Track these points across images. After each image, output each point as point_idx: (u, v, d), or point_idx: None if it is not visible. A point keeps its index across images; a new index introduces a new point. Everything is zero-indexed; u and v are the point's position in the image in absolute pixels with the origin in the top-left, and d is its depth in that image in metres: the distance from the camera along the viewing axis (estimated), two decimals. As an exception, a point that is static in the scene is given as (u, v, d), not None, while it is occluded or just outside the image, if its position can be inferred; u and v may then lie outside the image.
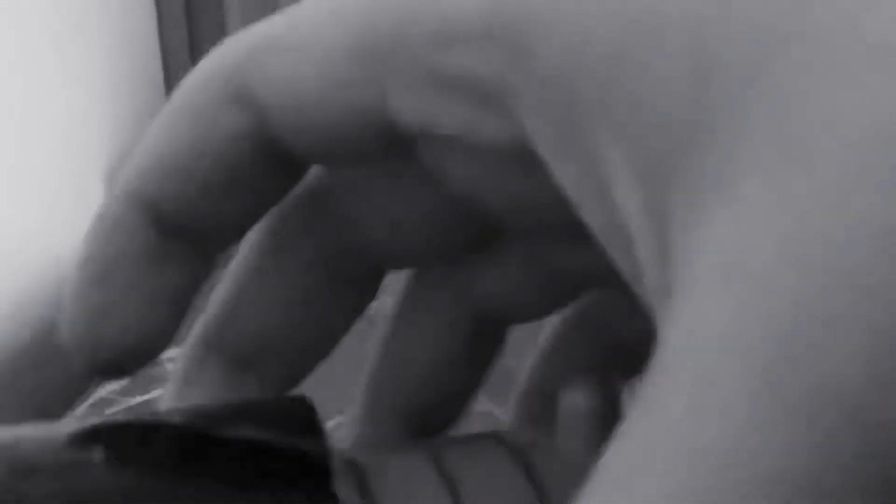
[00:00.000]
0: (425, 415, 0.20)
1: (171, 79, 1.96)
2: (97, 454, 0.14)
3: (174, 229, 0.17)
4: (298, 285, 0.18)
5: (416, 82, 0.14)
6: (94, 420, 0.15)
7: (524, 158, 0.14)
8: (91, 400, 1.10)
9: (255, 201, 0.17)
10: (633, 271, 0.12)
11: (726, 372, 0.09)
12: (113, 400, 1.09)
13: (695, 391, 0.09)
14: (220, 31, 2.01)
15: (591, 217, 0.13)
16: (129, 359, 0.17)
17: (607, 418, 0.16)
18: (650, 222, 0.11)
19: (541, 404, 0.22)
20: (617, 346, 0.21)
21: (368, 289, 0.19)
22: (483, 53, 0.14)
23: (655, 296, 0.11)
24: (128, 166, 0.17)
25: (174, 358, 1.18)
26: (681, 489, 0.09)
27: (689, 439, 0.09)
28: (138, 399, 1.08)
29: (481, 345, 0.20)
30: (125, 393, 1.09)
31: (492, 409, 0.69)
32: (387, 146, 0.16)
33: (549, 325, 0.22)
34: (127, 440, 0.14)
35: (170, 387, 0.19)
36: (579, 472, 0.15)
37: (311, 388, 0.74)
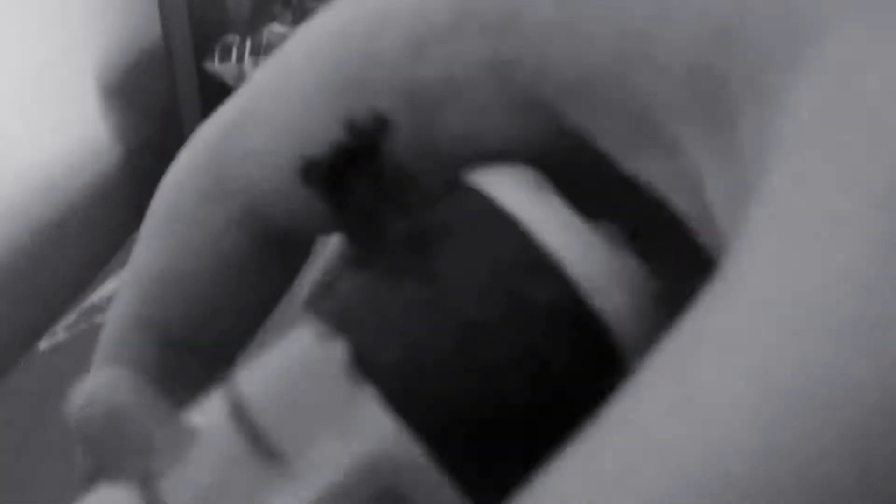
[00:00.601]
0: None
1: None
2: None
3: (185, 346, 0.16)
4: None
5: (399, 99, 0.13)
6: None
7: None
8: (81, 307, 1.10)
9: (266, 293, 0.16)
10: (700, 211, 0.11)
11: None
12: (103, 308, 1.09)
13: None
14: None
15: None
16: None
17: None
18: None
19: None
20: None
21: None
22: (455, 46, 0.12)
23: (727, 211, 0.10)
24: (127, 290, 0.16)
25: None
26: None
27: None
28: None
29: None
30: (116, 301, 1.08)
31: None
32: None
33: None
34: None
35: (97, 362, 0.18)
36: None
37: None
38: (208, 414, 0.13)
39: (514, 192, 0.12)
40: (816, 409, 0.08)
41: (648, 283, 0.12)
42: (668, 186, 0.12)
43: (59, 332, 1.07)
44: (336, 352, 0.12)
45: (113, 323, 0.16)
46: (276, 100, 0.14)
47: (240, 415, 0.13)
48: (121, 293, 0.16)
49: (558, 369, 0.12)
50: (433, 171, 0.14)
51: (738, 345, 0.08)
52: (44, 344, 1.05)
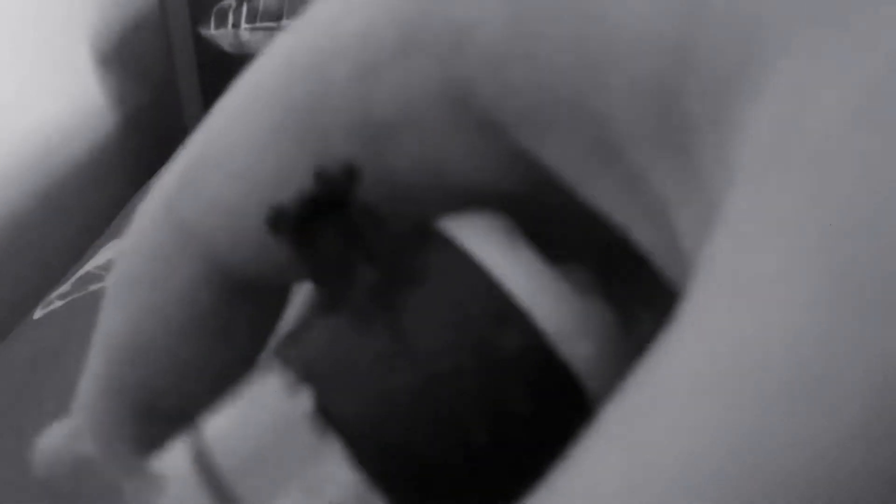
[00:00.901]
0: None
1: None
2: None
3: (161, 411, 0.15)
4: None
5: (352, 133, 0.12)
6: None
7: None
8: (76, 276, 1.10)
9: (241, 348, 0.15)
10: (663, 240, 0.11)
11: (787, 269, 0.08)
12: (98, 276, 1.09)
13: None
14: None
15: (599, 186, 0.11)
16: None
17: None
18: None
19: None
20: None
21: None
22: (405, 70, 0.12)
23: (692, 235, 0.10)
24: (96, 356, 0.15)
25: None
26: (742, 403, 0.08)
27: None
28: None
29: None
30: (110, 269, 1.08)
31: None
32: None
33: None
34: None
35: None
36: None
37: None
38: (173, 462, 0.13)
39: (483, 240, 0.12)
40: (739, 479, 0.08)
41: (616, 328, 0.12)
42: (630, 217, 0.11)
43: (54, 301, 1.07)
44: (301, 402, 0.12)
45: (85, 390, 0.15)
46: (230, 145, 0.13)
47: (203, 464, 0.12)
48: (91, 359, 0.15)
49: (526, 418, 0.12)
50: (399, 212, 0.13)
51: (675, 408, 0.08)
52: (38, 312, 1.06)
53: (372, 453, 0.12)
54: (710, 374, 0.08)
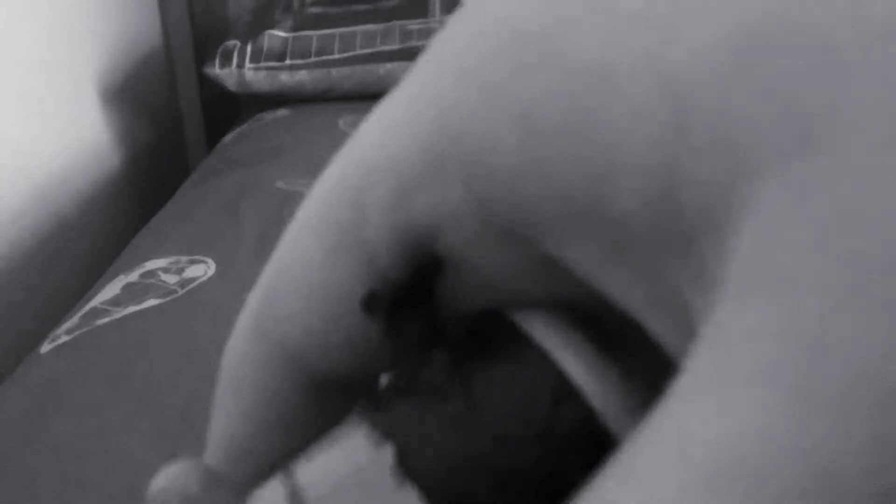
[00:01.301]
0: None
1: (162, -12, 1.93)
2: None
3: None
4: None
5: (401, 240, 0.14)
6: None
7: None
8: (83, 310, 1.10)
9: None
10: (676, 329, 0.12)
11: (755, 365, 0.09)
12: (105, 311, 1.09)
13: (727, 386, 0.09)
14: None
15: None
16: None
17: None
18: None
19: None
20: None
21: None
22: (434, 192, 0.14)
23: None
24: (211, 451, 0.18)
25: (167, 269, 1.17)
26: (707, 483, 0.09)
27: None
28: (131, 310, 1.08)
29: None
30: (117, 303, 1.09)
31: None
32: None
33: None
34: None
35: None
36: None
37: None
38: (270, 500, 0.15)
39: (545, 328, 0.14)
40: None
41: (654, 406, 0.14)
42: (648, 309, 0.13)
43: (61, 336, 1.07)
44: (384, 456, 0.14)
45: (209, 457, 0.18)
46: (296, 263, 0.16)
47: (296, 503, 0.15)
48: (208, 451, 0.18)
49: (576, 482, 0.14)
50: (463, 303, 0.15)
51: (648, 491, 0.09)
52: (46, 347, 1.05)
53: (444, 501, 0.14)
54: (679, 463, 0.09)
